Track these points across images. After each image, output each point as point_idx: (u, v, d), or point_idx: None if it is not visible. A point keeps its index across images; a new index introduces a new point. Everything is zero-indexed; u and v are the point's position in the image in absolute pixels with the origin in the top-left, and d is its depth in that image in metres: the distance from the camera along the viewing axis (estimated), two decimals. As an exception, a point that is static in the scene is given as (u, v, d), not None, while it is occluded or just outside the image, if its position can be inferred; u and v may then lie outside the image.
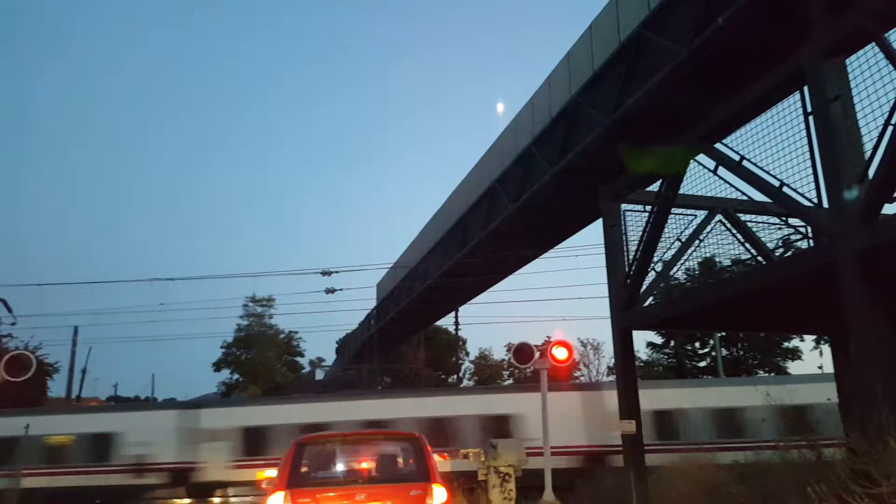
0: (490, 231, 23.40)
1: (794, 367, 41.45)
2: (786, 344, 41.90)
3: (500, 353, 59.48)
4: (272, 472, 8.93)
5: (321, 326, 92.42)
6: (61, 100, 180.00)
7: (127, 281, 42.08)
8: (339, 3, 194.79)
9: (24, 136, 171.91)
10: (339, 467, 8.88)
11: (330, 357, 67.38)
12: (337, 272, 36.15)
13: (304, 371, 62.38)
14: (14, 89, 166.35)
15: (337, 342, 64.63)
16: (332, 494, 7.77)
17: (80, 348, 42.04)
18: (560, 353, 15.08)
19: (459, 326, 44.03)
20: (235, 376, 55.12)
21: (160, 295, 56.10)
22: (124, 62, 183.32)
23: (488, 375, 58.54)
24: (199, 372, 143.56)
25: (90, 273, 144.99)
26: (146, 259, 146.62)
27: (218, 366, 54.99)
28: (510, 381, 55.79)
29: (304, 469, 8.23)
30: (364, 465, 8.94)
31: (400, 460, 8.94)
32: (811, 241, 11.89)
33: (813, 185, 10.14)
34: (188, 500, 25.17)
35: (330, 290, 36.92)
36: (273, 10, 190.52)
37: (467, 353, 61.81)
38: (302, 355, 62.39)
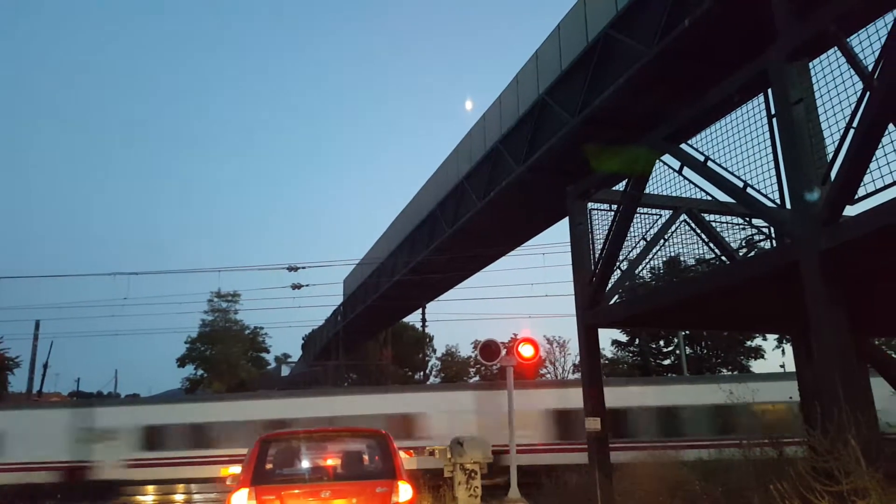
0: (458, 228, 23.39)
1: (756, 366, 42.20)
2: (749, 343, 42.61)
3: (467, 350, 59.73)
4: (236, 469, 8.81)
5: (287, 322, 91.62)
6: (27, 90, 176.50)
7: (89, 275, 41.70)
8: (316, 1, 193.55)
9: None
10: (305, 464, 8.75)
11: (296, 353, 67.03)
12: (303, 268, 35.92)
13: (269, 367, 61.93)
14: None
15: (303, 339, 64.31)
16: (296, 491, 7.69)
17: (41, 342, 41.34)
18: (526, 351, 15.17)
19: (426, 323, 44.03)
20: (200, 372, 54.53)
21: (123, 289, 55.09)
22: (96, 51, 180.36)
23: (455, 372, 58.64)
24: (163, 368, 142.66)
25: (52, 266, 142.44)
26: (111, 253, 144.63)
27: (182, 361, 54.35)
28: (476, 378, 56.00)
29: (268, 466, 8.15)
30: (329, 462, 8.87)
31: (366, 457, 8.88)
32: (774, 242, 12.03)
33: (776, 187, 10.24)
34: (152, 498, 24.91)
35: (296, 286, 36.69)
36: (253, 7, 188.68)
37: (434, 350, 61.96)
38: (267, 351, 62.08)
